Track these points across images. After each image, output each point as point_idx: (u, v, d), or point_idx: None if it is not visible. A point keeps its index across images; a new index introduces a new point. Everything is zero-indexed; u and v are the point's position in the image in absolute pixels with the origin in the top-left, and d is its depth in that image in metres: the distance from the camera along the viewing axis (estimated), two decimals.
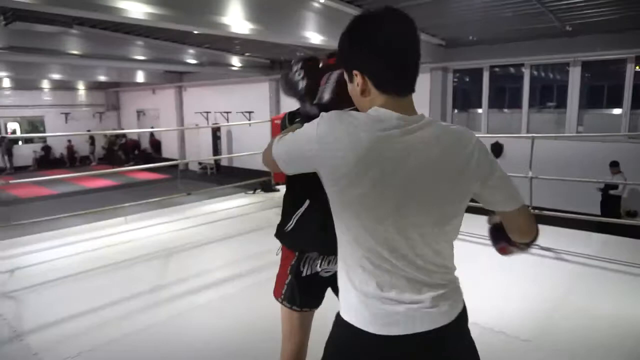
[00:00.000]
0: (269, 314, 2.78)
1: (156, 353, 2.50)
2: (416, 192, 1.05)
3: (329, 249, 1.32)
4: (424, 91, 10.25)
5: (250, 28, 5.87)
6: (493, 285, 3.27)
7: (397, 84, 1.08)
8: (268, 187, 7.04)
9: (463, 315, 1.16)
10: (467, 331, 1.19)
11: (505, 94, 10.18)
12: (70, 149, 19.99)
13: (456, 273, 1.17)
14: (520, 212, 1.19)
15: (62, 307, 3.07)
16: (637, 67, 8.02)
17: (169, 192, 6.80)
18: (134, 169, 12.43)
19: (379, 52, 1.05)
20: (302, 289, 1.59)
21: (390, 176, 1.03)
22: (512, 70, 9.72)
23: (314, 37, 6.56)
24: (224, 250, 4.42)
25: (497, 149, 9.02)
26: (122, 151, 20.37)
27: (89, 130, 19.00)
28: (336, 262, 1.20)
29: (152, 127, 18.47)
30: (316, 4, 6.39)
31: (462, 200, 1.12)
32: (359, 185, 1.03)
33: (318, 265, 1.57)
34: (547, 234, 4.49)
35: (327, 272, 1.58)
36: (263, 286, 2.57)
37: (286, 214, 1.62)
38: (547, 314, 2.86)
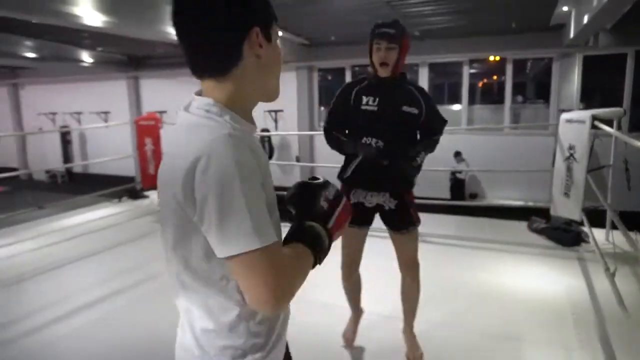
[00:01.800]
0: (148, 333, 2.58)
1: None
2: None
3: (370, 187, 2.26)
4: (292, 89, 10.50)
5: (104, 20, 5.33)
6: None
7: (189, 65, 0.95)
8: (135, 194, 6.51)
9: None
10: None
11: None
12: None
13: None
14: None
15: None
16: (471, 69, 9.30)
17: (14, 207, 5.83)
18: None
19: None
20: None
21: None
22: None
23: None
24: (90, 269, 3.91)
25: None
26: None
27: None
28: (376, 196, 2.28)
29: None
30: None
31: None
32: None
33: (362, 197, 2.29)
34: None
35: (369, 202, 2.30)
36: (139, 303, 2.38)
37: (345, 166, 2.29)
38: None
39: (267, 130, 10.46)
